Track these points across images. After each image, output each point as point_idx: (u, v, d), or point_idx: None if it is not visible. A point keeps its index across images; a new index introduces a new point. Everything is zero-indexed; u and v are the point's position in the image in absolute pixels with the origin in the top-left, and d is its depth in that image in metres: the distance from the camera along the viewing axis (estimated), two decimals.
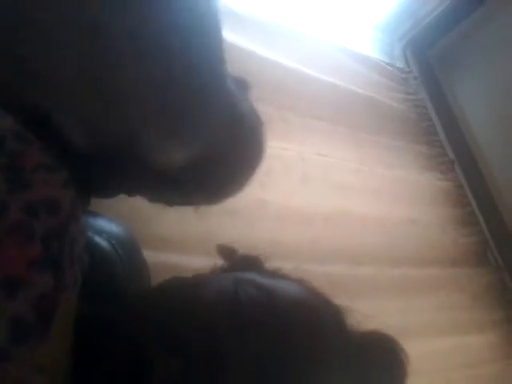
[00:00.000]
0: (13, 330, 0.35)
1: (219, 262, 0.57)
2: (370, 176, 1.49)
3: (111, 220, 0.66)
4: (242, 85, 0.61)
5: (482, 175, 1.82)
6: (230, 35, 1.22)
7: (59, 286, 0.40)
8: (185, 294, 0.47)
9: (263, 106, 0.63)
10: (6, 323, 0.35)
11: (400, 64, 2.00)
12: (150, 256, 0.67)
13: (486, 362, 1.44)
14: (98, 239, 0.59)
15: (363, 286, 1.24)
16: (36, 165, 0.43)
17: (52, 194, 0.43)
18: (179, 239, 0.97)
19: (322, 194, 1.33)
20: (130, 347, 0.41)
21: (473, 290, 1.54)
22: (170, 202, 0.63)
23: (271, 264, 0.57)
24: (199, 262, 0.90)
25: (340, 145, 1.49)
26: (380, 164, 1.56)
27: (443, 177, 1.76)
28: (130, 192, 0.61)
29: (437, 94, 1.97)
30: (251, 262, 0.57)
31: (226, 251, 0.59)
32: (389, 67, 1.90)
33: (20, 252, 0.38)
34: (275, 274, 0.54)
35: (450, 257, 1.55)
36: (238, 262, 0.58)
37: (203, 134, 0.51)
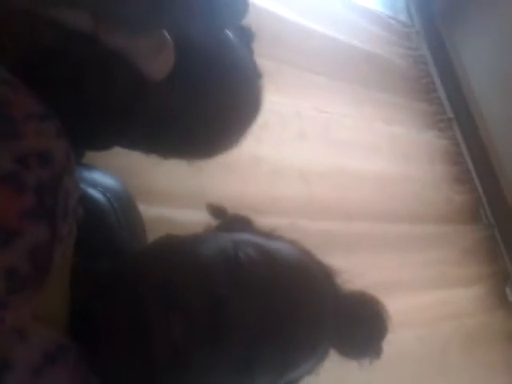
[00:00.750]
0: (7, 280, 0.35)
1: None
2: (368, 133, 1.48)
3: (106, 173, 0.65)
4: (246, 34, 0.59)
5: (479, 134, 1.81)
6: None
7: (54, 238, 0.39)
8: (183, 253, 0.47)
9: (259, 59, 0.61)
10: (1, 274, 0.35)
11: (402, 17, 1.94)
12: (144, 210, 0.67)
13: (471, 313, 1.49)
14: (92, 192, 0.58)
15: (357, 242, 1.26)
16: (27, 114, 0.42)
17: (44, 144, 0.42)
18: (173, 193, 0.97)
19: (318, 151, 1.32)
20: (128, 306, 0.41)
21: (464, 246, 1.57)
22: (164, 154, 0.62)
23: (266, 220, 0.57)
24: (193, 216, 0.90)
25: (338, 100, 1.47)
26: (379, 120, 1.54)
27: (441, 135, 1.75)
28: (125, 142, 0.59)
29: (439, 49, 1.92)
30: (242, 221, 0.58)
31: (216, 210, 0.59)
32: (391, 21, 1.84)
33: (12, 202, 0.37)
34: (270, 235, 0.55)
35: (443, 214, 1.57)
36: (230, 220, 0.58)
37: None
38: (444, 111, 1.83)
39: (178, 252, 0.47)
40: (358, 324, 0.51)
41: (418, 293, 1.35)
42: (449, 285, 1.46)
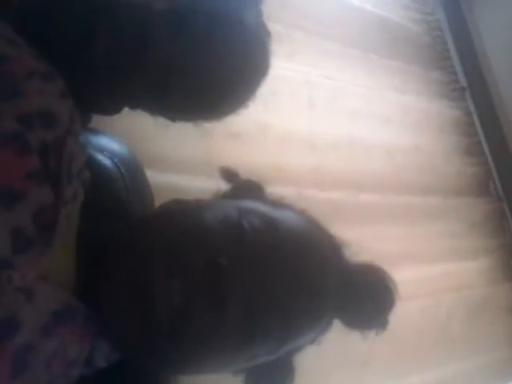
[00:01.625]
0: (13, 240, 0.36)
1: (221, 184, 0.57)
2: (379, 102, 1.45)
3: (113, 138, 0.64)
4: None
5: (493, 105, 1.77)
6: None
7: (59, 201, 0.39)
8: (188, 218, 0.47)
9: (268, 23, 0.59)
10: (6, 234, 0.35)
11: None
12: (151, 176, 0.66)
13: (476, 286, 1.49)
14: (99, 157, 0.58)
15: (365, 212, 1.25)
16: (29, 72, 0.41)
17: (48, 105, 0.41)
18: (180, 160, 0.97)
19: (328, 120, 1.30)
20: (132, 269, 0.42)
21: (472, 218, 1.56)
22: (171, 115, 0.60)
23: (273, 189, 0.56)
24: (200, 183, 0.90)
25: (349, 68, 1.44)
26: (390, 89, 1.51)
27: (453, 105, 1.71)
28: (132, 102, 0.58)
29: (455, 15, 1.86)
30: (253, 187, 0.57)
31: (229, 173, 0.58)
32: None
33: (16, 163, 0.37)
34: (278, 203, 0.54)
35: (453, 186, 1.55)
36: (240, 185, 0.57)
37: None
38: (457, 80, 1.79)
39: (182, 217, 0.47)
40: (364, 296, 0.51)
41: (424, 264, 1.35)
42: (455, 257, 1.46)
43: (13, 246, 0.36)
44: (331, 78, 1.36)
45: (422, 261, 1.35)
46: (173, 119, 0.61)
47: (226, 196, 0.56)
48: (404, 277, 1.13)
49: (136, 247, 0.44)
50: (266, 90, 0.60)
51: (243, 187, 0.56)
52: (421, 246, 1.36)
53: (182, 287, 0.41)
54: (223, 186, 0.57)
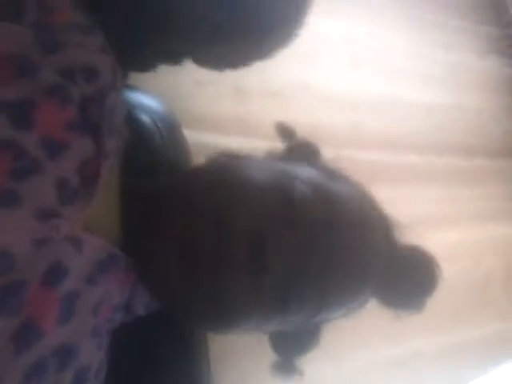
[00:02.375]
0: (60, 190, 0.36)
1: (258, 143, 0.56)
2: (423, 59, 1.38)
3: (150, 96, 0.65)
4: None
5: None
6: None
7: (100, 153, 0.40)
8: (238, 178, 0.45)
9: None
10: (53, 184, 0.36)
11: None
12: (189, 135, 0.67)
13: None
14: (137, 112, 0.58)
15: (404, 174, 1.23)
16: (68, 22, 0.41)
17: (88, 58, 0.41)
18: (218, 119, 0.96)
19: (369, 78, 1.26)
20: (183, 226, 0.42)
21: None
22: (216, 63, 0.59)
23: None
24: (238, 142, 0.90)
25: (390, 24, 1.37)
26: (436, 46, 1.43)
27: (505, 62, 1.61)
28: (167, 56, 0.57)
29: None
30: (309, 150, 0.55)
31: (286, 131, 0.56)
32: None
33: (57, 113, 0.37)
34: (334, 174, 0.52)
35: (498, 147, 1.49)
36: (296, 147, 0.55)
37: None
38: (511, 35, 1.67)
39: (231, 177, 0.46)
40: (407, 278, 0.50)
41: (464, 227, 1.32)
42: (496, 220, 1.41)
43: (59, 196, 0.36)
44: (373, 36, 1.30)
45: (461, 223, 1.32)
46: (218, 68, 0.60)
47: (279, 157, 0.54)
48: (442, 239, 1.11)
49: (186, 205, 0.43)
50: (307, 47, 0.58)
51: (299, 149, 0.54)
52: (462, 208, 1.32)
53: (227, 251, 0.41)
54: (274, 148, 0.54)
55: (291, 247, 0.42)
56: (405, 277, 0.50)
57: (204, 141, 0.89)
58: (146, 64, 0.56)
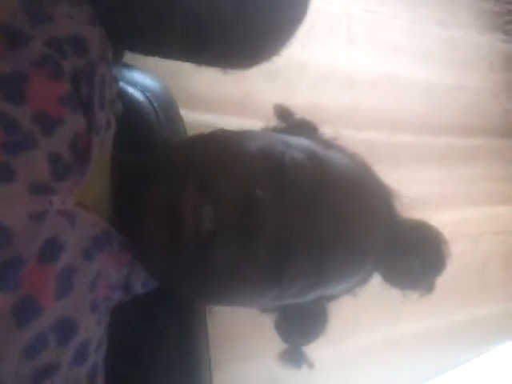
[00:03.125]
0: (53, 166, 0.36)
1: (257, 124, 0.55)
2: (422, 36, 1.36)
3: (147, 74, 0.64)
4: None
5: None
6: None
7: (92, 127, 0.39)
8: (228, 143, 0.45)
9: None
10: (46, 159, 0.35)
11: None
12: (187, 115, 0.66)
13: None
14: (131, 90, 0.57)
15: (403, 154, 1.22)
16: None
17: (78, 30, 0.40)
18: (216, 99, 0.95)
19: (368, 56, 1.24)
20: (165, 192, 0.40)
21: None
22: (204, 62, 0.58)
23: None
24: (237, 123, 0.89)
25: (390, 1, 1.35)
26: (435, 23, 1.41)
27: (506, 38, 1.59)
28: (163, 49, 0.56)
29: None
30: (307, 127, 0.54)
31: (283, 111, 0.55)
32: None
33: (49, 87, 0.37)
34: (330, 143, 0.51)
35: (497, 126, 1.48)
36: (293, 124, 0.54)
37: None
38: None
39: (221, 142, 0.45)
40: (412, 253, 0.47)
41: (462, 207, 1.32)
42: (494, 201, 1.41)
43: (52, 171, 0.36)
44: (371, 11, 1.27)
45: (460, 203, 1.32)
46: (205, 65, 0.59)
47: (275, 130, 0.53)
48: (441, 219, 1.10)
49: (172, 167, 0.42)
50: (304, 26, 0.57)
51: (297, 127, 0.53)
52: (460, 189, 1.32)
53: (213, 213, 0.39)
54: (272, 125, 0.54)
55: (284, 210, 0.40)
56: (410, 252, 0.47)
57: (201, 121, 0.87)
58: (140, 45, 0.55)
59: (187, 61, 0.57)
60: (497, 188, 1.43)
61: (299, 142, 0.47)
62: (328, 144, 0.50)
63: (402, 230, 0.48)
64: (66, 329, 0.35)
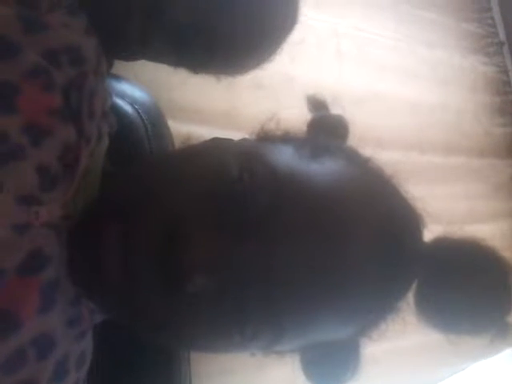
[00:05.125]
0: (41, 177, 0.35)
1: (245, 135, 0.54)
2: (408, 55, 1.39)
3: (135, 86, 0.63)
4: None
5: None
6: None
7: (80, 138, 0.39)
8: (179, 162, 0.40)
9: None
10: (34, 171, 0.35)
11: None
12: (174, 126, 0.65)
13: (497, 249, 1.47)
14: (120, 103, 0.57)
15: (388, 171, 1.23)
16: (52, 3, 0.39)
17: (73, 40, 0.40)
18: (203, 111, 0.95)
19: (355, 73, 1.26)
20: (119, 205, 0.37)
21: (496, 181, 1.52)
22: (192, 67, 0.58)
23: None
24: (223, 134, 0.89)
25: (378, 18, 1.37)
26: (421, 43, 1.44)
27: (488, 60, 1.63)
28: (150, 51, 0.55)
29: None
30: (337, 123, 0.48)
31: (318, 103, 0.52)
32: None
33: (40, 99, 0.36)
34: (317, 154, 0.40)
35: (479, 146, 1.51)
36: (323, 118, 0.49)
37: None
38: (496, 33, 1.67)
39: (165, 166, 0.40)
40: (461, 281, 0.36)
41: (444, 225, 1.33)
42: (476, 219, 1.43)
43: (40, 183, 0.35)
44: (359, 29, 1.30)
45: (441, 222, 1.33)
46: (194, 71, 0.58)
47: (259, 139, 0.46)
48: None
49: (132, 185, 0.39)
50: (293, 39, 0.57)
51: (325, 122, 0.48)
52: (440, 207, 1.33)
53: (131, 258, 0.33)
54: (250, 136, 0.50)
55: (226, 252, 0.32)
56: (457, 280, 0.37)
57: (188, 132, 0.87)
58: (127, 49, 0.54)
59: (177, 65, 0.57)
60: (478, 207, 1.45)
61: (277, 152, 0.39)
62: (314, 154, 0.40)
63: (441, 252, 0.39)
64: (46, 343, 0.35)
